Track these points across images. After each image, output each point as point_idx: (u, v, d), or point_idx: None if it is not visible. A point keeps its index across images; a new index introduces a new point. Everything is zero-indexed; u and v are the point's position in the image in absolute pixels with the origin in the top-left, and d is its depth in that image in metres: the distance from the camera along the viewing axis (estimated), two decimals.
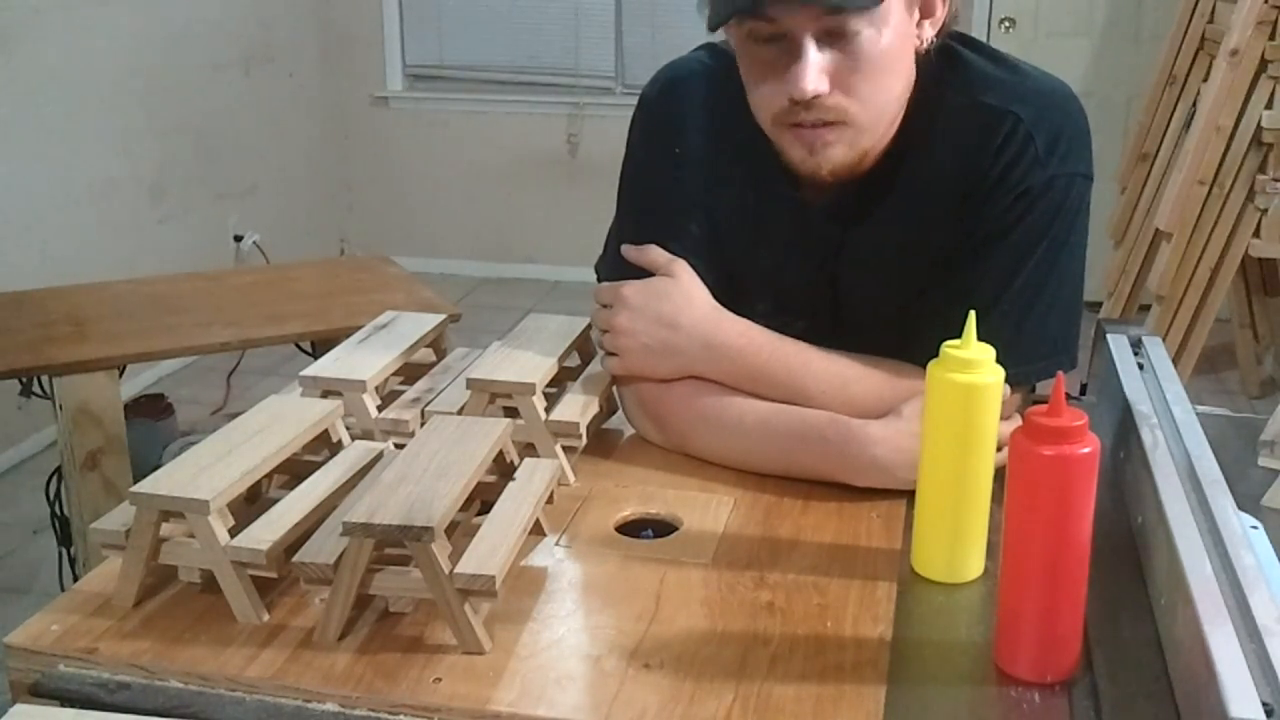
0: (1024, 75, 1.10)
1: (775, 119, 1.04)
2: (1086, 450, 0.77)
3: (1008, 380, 0.92)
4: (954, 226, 1.09)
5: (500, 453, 1.02)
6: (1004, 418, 0.94)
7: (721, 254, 1.17)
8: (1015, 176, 1.05)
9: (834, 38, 0.98)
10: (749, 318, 1.18)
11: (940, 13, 1.06)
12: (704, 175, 1.16)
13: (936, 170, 1.09)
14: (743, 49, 1.04)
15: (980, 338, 0.91)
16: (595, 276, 1.25)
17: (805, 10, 0.97)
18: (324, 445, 1.07)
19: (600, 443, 1.18)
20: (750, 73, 1.05)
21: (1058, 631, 0.81)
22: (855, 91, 1.01)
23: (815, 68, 0.98)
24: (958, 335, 0.91)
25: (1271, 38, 3.16)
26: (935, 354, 0.91)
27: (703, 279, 1.15)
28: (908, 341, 1.07)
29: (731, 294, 1.17)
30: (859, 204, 1.12)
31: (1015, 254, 1.07)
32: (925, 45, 1.06)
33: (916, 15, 1.04)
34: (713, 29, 1.03)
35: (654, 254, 1.15)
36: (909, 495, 1.02)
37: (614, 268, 1.20)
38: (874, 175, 1.10)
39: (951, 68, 1.09)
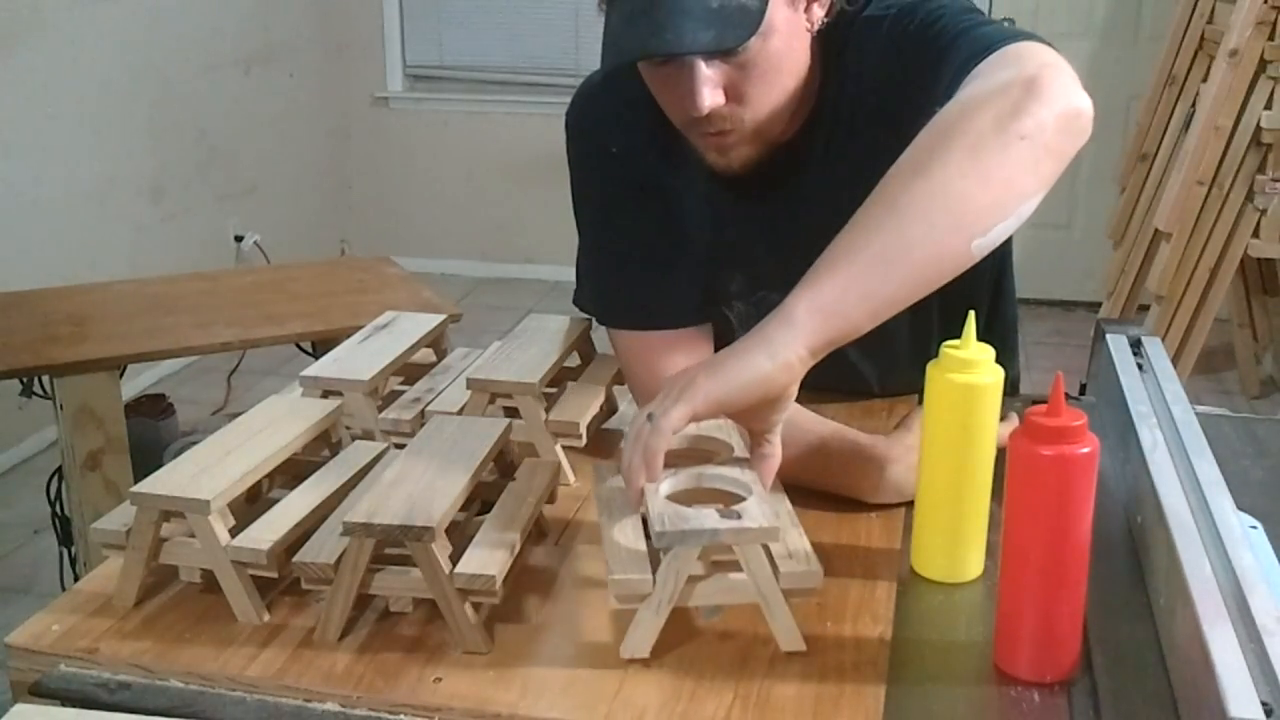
0: None
1: (685, 127, 1.07)
2: (1086, 450, 0.77)
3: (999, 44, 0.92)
4: (883, 141, 1.05)
5: (500, 453, 1.02)
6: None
7: (688, 233, 1.18)
8: (903, 27, 1.05)
9: (723, 53, 0.99)
10: (725, 295, 1.20)
11: None
12: (649, 162, 1.17)
13: (858, 103, 1.10)
14: (644, 66, 1.06)
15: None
16: (580, 310, 1.26)
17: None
18: (324, 445, 1.07)
19: (600, 443, 1.18)
20: (655, 86, 1.07)
21: (1057, 631, 0.81)
22: (748, 99, 1.02)
23: (708, 85, 0.99)
24: None
25: (1271, 38, 3.16)
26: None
27: (679, 264, 1.17)
28: None
29: (708, 273, 1.18)
30: (802, 164, 1.13)
31: (938, 27, 1.02)
32: (817, 26, 1.06)
33: (803, 3, 1.04)
34: (609, 71, 1.05)
35: None
36: None
37: (605, 305, 1.21)
38: (809, 134, 1.11)
39: (848, 7, 1.10)
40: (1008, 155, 0.85)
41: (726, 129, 1.04)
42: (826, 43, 1.09)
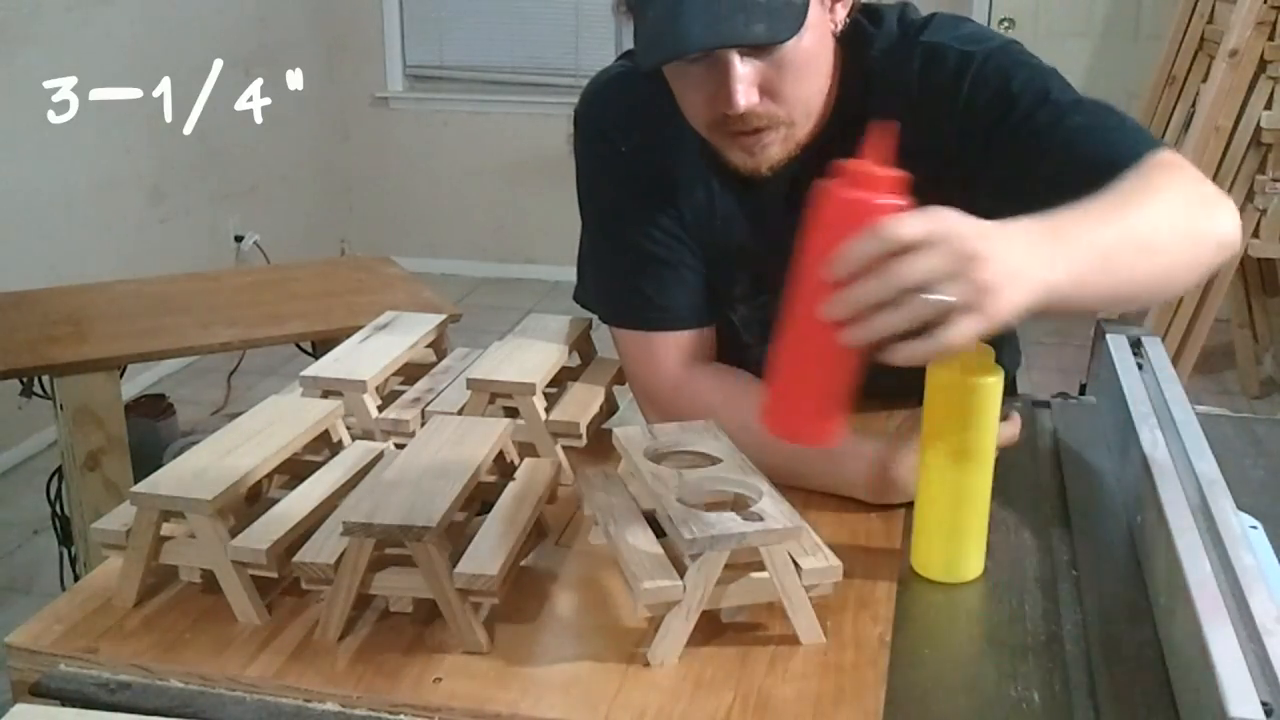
0: (920, 17, 1.13)
1: (710, 127, 1.06)
2: (896, 202, 0.75)
3: (1146, 149, 0.95)
4: (905, 164, 1.08)
5: (500, 453, 1.02)
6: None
7: (692, 237, 1.18)
8: (976, 86, 1.05)
9: (757, 51, 0.99)
10: (729, 298, 1.19)
11: None
12: (657, 163, 1.17)
13: (877, 119, 1.09)
14: (670, 65, 1.05)
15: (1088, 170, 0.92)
16: (581, 306, 1.26)
17: None
18: (324, 445, 1.07)
19: (600, 443, 1.18)
20: (680, 86, 1.07)
21: (824, 389, 0.80)
22: (783, 96, 1.02)
23: (744, 83, 0.99)
24: None
25: (1271, 38, 3.16)
26: None
27: (684, 264, 1.17)
28: None
29: (710, 275, 1.18)
30: (810, 174, 1.12)
31: (1039, 114, 1.03)
32: (840, 26, 1.07)
33: (829, 2, 1.05)
34: (647, 70, 1.03)
35: None
36: None
37: (608, 304, 1.21)
38: (819, 145, 1.10)
39: (868, 28, 1.11)
40: (1198, 255, 0.92)
41: (762, 126, 1.03)
42: (853, 54, 1.10)
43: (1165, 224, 0.89)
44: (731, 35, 0.96)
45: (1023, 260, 0.77)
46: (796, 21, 0.97)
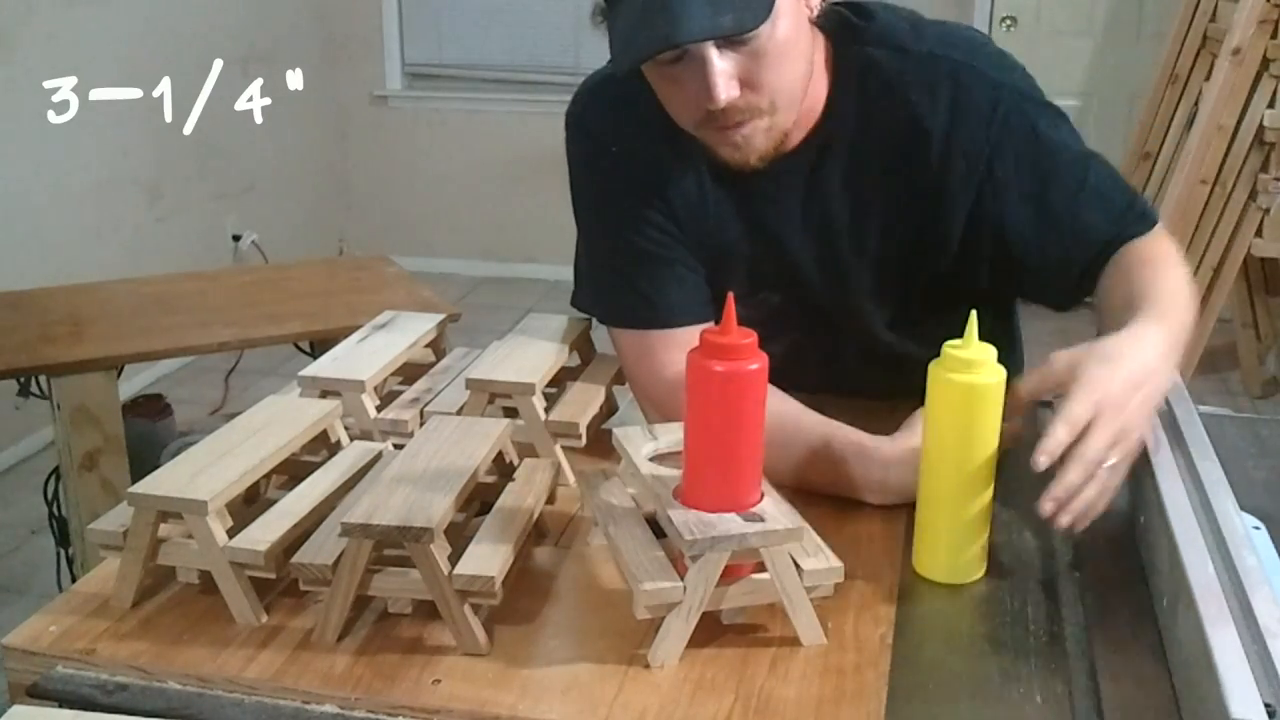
0: (928, 23, 1.15)
1: (697, 125, 1.07)
2: (755, 366, 0.83)
3: (1134, 231, 1.11)
4: (905, 170, 1.12)
5: (500, 453, 1.02)
6: None
7: (686, 235, 1.18)
8: (981, 111, 1.10)
9: (733, 43, 1.00)
10: (725, 296, 1.20)
11: None
12: (649, 162, 1.17)
13: (876, 120, 1.12)
14: (651, 68, 1.05)
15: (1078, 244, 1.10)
16: (577, 309, 1.26)
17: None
18: (323, 445, 1.07)
19: (600, 443, 1.17)
20: (663, 88, 1.07)
21: (723, 494, 0.85)
22: (762, 86, 1.02)
23: (723, 77, 1.00)
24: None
25: (1274, 36, 3.15)
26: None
27: (680, 263, 1.17)
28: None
29: (708, 272, 1.19)
30: (804, 168, 1.14)
31: (1061, 164, 1.12)
32: (815, 12, 1.07)
33: None
34: (624, 72, 1.04)
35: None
36: None
37: (606, 304, 1.21)
38: (814, 140, 1.12)
39: (857, 21, 1.13)
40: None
41: (744, 119, 1.04)
42: (843, 54, 1.10)
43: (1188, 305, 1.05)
44: (699, 29, 0.96)
45: (1162, 384, 0.96)
46: (764, 9, 0.98)
